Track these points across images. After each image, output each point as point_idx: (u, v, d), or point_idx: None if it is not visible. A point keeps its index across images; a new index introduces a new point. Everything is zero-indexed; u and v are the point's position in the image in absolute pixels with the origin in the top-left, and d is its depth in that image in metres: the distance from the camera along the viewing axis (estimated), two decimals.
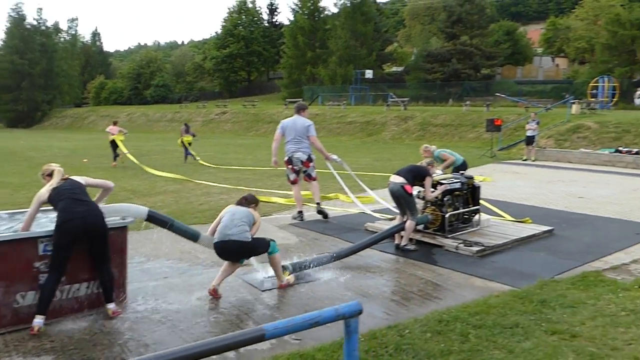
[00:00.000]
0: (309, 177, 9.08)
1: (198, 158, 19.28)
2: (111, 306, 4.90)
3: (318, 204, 9.17)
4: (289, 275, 5.91)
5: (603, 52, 44.54)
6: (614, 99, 35.08)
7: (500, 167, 17.82)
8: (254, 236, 5.57)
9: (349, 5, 57.69)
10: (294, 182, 9.14)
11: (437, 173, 8.10)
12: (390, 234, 7.16)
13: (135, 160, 17.66)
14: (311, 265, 6.20)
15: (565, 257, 6.94)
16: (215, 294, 5.40)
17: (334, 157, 9.27)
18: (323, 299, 5.38)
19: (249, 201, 5.85)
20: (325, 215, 9.13)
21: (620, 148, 18.94)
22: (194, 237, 5.67)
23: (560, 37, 64.63)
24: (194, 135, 21.19)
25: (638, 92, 37.32)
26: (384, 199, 9.54)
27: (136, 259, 6.61)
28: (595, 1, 60.49)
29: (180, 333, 4.55)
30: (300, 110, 9.02)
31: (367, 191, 10.22)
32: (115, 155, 18.40)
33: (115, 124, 18.87)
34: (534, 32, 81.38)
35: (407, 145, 26.74)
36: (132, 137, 40.18)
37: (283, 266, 5.92)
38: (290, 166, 9.00)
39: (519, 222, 8.69)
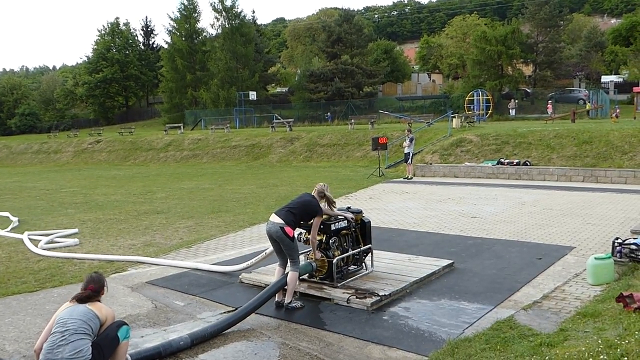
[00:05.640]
0: None
1: None
2: None
3: None
4: None
5: (474, 67, 46.99)
6: (489, 112, 36.67)
7: (389, 186, 17.19)
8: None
9: (227, 26, 56.30)
10: None
11: (335, 212, 6.54)
12: (270, 296, 5.74)
13: None
14: (162, 354, 4.65)
15: (472, 299, 5.96)
16: None
17: None
18: None
19: (96, 292, 4.20)
20: None
21: (501, 160, 19.17)
22: None
23: (434, 55, 68.02)
24: None
25: (511, 103, 39.47)
26: None
27: None
28: (462, 20, 64.54)
29: None
30: None
31: None
32: None
33: None
34: (410, 51, 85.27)
35: (294, 168, 25.68)
36: None
37: None
38: None
39: None
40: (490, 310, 5.64)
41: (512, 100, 40.70)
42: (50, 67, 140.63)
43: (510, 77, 46.16)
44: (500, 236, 9.22)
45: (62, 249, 9.27)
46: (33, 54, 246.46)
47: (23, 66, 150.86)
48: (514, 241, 8.78)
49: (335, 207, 6.45)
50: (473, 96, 37.64)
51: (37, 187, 22.42)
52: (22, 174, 31.92)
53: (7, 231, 11.25)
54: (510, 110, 38.49)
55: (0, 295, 6.72)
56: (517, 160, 18.81)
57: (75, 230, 10.96)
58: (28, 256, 8.91)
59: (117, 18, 71.50)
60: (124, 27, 71.19)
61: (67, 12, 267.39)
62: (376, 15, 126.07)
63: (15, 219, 12.54)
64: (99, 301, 4.23)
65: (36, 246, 9.34)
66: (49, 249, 9.15)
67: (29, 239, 10.02)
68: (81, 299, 4.13)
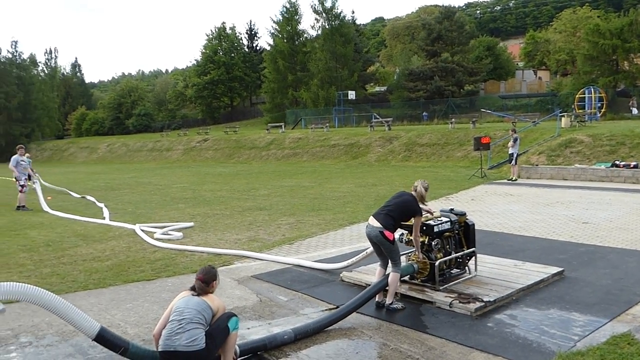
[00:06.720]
0: None
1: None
2: None
3: None
4: None
5: (585, 62, 44.05)
6: (602, 110, 34.26)
7: (492, 188, 16.61)
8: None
9: (327, 27, 57.08)
10: None
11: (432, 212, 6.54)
12: (371, 296, 5.79)
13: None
14: (268, 346, 4.84)
15: (584, 311, 5.63)
16: None
17: None
18: None
19: (205, 283, 4.41)
20: None
21: (616, 162, 17.85)
22: None
23: (540, 50, 64.55)
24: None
25: (632, 102, 36.52)
26: None
27: None
28: (572, 13, 60.62)
29: None
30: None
31: None
32: None
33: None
34: (514, 47, 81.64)
35: (393, 168, 25.54)
36: (110, 168, 38.92)
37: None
38: None
39: None
40: (605, 323, 5.30)
41: (633, 98, 37.66)
42: (163, 71, 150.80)
43: (626, 73, 42.77)
44: (615, 244, 8.62)
45: (173, 241, 9.92)
46: (148, 58, 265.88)
47: (139, 70, 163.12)
48: (632, 250, 8.17)
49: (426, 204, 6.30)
50: (584, 94, 35.34)
51: (151, 182, 24.07)
52: (138, 170, 34.42)
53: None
54: (632, 109, 35.59)
55: (122, 282, 7.32)
56: (634, 163, 17.43)
57: (191, 224, 11.67)
58: (146, 246, 9.63)
59: (224, 23, 75.03)
60: (230, 31, 74.47)
61: (179, 19, 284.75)
62: (478, 11, 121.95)
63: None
64: (212, 293, 4.49)
65: (151, 237, 10.10)
66: (165, 240, 9.84)
67: (142, 230, 10.88)
68: (194, 288, 4.41)
